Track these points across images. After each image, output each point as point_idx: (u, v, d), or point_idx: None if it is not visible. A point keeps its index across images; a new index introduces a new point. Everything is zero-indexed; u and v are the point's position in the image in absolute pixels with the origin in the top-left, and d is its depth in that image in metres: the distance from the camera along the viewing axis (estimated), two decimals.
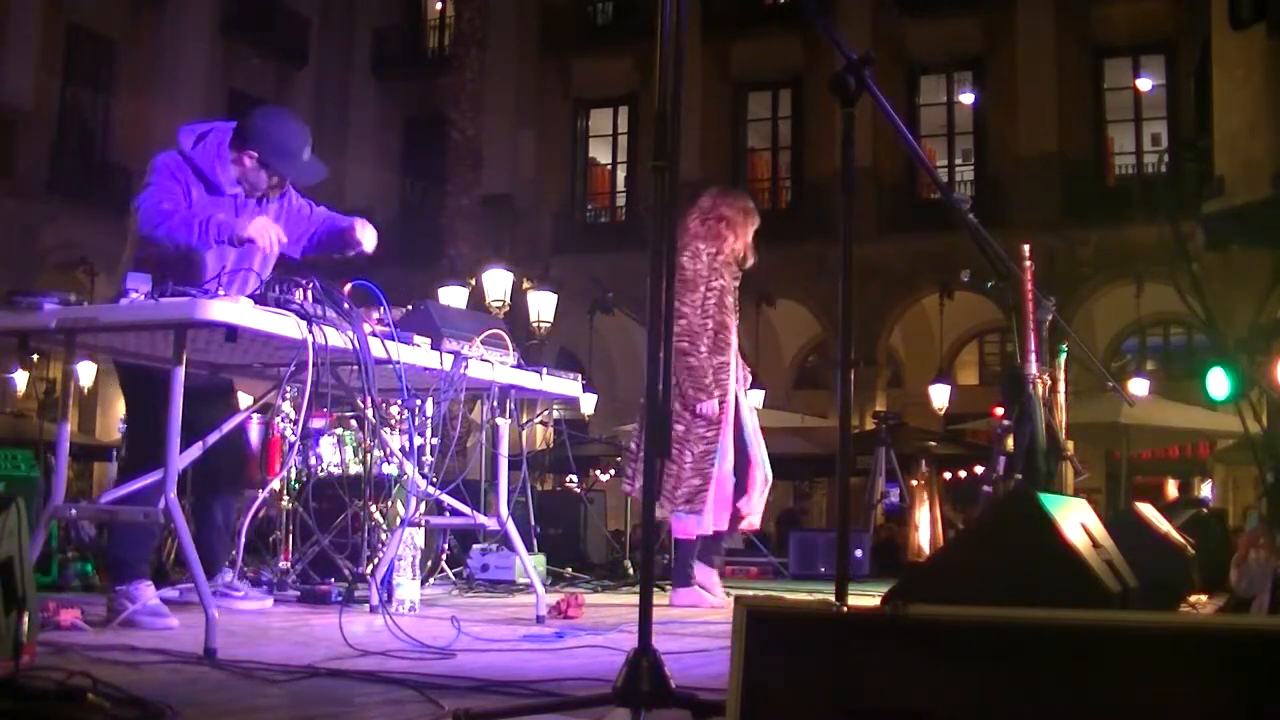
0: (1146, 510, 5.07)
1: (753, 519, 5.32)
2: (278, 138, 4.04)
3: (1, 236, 19.08)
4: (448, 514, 4.77)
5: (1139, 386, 16.28)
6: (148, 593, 3.85)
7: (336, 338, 3.53)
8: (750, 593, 5.39)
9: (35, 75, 20.17)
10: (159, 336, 3.47)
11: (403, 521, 4.49)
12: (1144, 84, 20.58)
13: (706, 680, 2.46)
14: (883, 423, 11.20)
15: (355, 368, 3.71)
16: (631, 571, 7.49)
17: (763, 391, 15.95)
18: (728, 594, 5.29)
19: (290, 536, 5.87)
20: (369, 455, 6.13)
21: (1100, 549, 3.27)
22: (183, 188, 3.93)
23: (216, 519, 4.39)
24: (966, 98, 21.57)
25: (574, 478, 10.07)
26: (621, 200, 23.87)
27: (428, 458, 4.57)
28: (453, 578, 6.65)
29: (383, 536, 5.86)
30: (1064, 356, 5.99)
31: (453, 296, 13.72)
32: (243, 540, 5.03)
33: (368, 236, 4.16)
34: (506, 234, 20.51)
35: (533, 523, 7.59)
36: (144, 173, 4.02)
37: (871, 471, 11.19)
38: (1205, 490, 18.33)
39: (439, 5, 25.11)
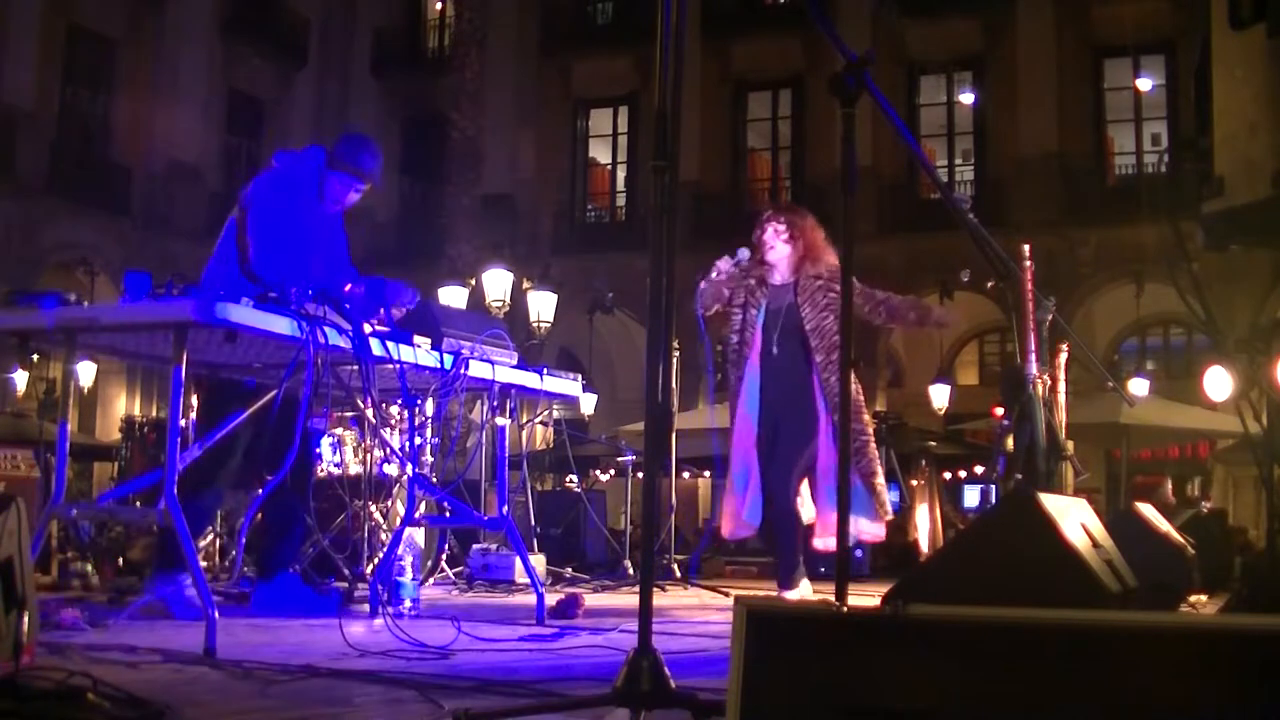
0: (1146, 510, 5.08)
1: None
2: (353, 146, 4.56)
3: (1, 236, 19.07)
4: (448, 514, 4.76)
5: (1139, 386, 16.27)
6: (185, 584, 4.08)
7: (336, 338, 3.54)
8: (750, 593, 5.38)
9: (35, 75, 20.16)
10: (159, 336, 3.48)
11: (403, 521, 4.49)
12: (1144, 84, 20.57)
13: (706, 680, 2.46)
14: (883, 423, 11.19)
15: (355, 368, 3.71)
16: (632, 572, 7.49)
17: None
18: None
19: None
20: (369, 455, 6.13)
21: (1100, 549, 3.27)
22: (281, 208, 4.34)
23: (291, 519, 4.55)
24: (966, 98, 21.56)
25: (574, 478, 10.07)
26: (621, 200, 23.85)
27: (428, 458, 4.58)
28: (453, 578, 6.64)
29: (383, 536, 5.86)
30: (1065, 357, 6.01)
31: (453, 296, 13.71)
32: (243, 540, 5.02)
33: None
34: (506, 234, 20.49)
35: (533, 523, 7.60)
36: (241, 201, 4.39)
37: None
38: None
39: (439, 5, 25.10)
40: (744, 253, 5.10)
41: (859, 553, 8.51)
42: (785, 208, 5.46)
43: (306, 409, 3.64)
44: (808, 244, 5.17)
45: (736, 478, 5.08)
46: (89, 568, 5.75)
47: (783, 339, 5.08)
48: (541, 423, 10.53)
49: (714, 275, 5.05)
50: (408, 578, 4.34)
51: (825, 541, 5.05)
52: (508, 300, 14.07)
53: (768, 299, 5.17)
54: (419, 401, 4.50)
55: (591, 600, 5.15)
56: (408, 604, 4.29)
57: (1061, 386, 5.94)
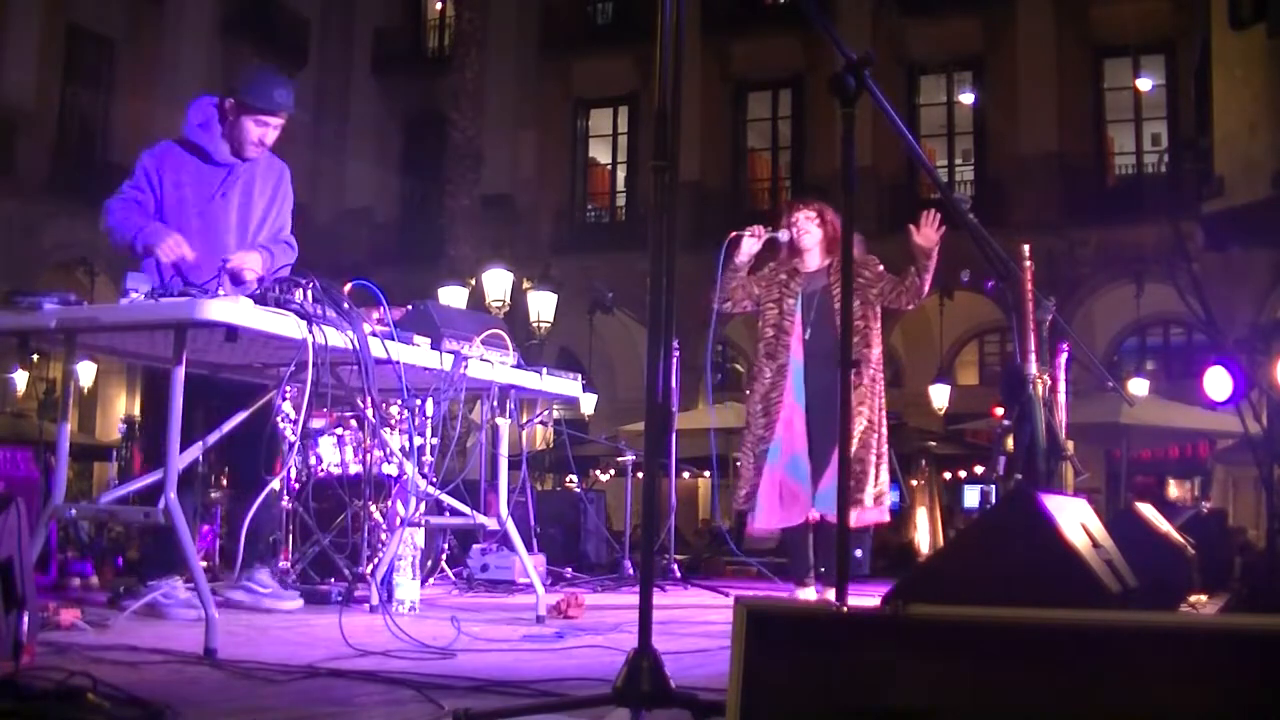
0: (1146, 510, 5.08)
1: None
2: (250, 81, 4.37)
3: (1, 236, 19.07)
4: (448, 514, 4.76)
5: (1139, 386, 16.28)
6: (178, 586, 4.03)
7: (336, 338, 3.53)
8: (750, 593, 5.37)
9: (35, 75, 20.17)
10: (159, 336, 3.47)
11: (403, 521, 4.49)
12: (1144, 84, 20.58)
13: (706, 680, 2.46)
14: None
15: (355, 368, 3.71)
16: (632, 571, 7.49)
17: None
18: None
19: (290, 536, 5.87)
20: (369, 455, 6.13)
21: (1100, 549, 3.27)
22: (157, 179, 4.24)
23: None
24: (966, 98, 21.57)
25: (574, 478, 10.07)
26: (621, 200, 23.86)
27: (428, 458, 4.57)
28: (453, 578, 6.65)
29: (383, 536, 5.85)
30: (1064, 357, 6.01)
31: (453, 296, 13.71)
32: (242, 540, 5.02)
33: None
34: (506, 234, 20.50)
35: (533, 523, 7.59)
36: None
37: None
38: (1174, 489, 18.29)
39: (439, 5, 25.11)
40: (784, 234, 5.19)
41: (859, 552, 8.51)
42: (806, 196, 5.49)
43: (309, 409, 3.63)
44: (836, 227, 5.23)
45: (789, 467, 5.06)
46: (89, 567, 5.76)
47: (818, 324, 5.12)
48: (541, 423, 10.54)
49: (750, 235, 5.11)
50: (408, 577, 4.33)
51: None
52: (508, 300, 14.08)
53: (803, 286, 5.22)
54: (419, 401, 4.49)
55: (591, 600, 5.16)
56: (408, 604, 4.30)
57: (1061, 386, 5.94)
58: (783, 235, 5.19)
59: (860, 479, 5.03)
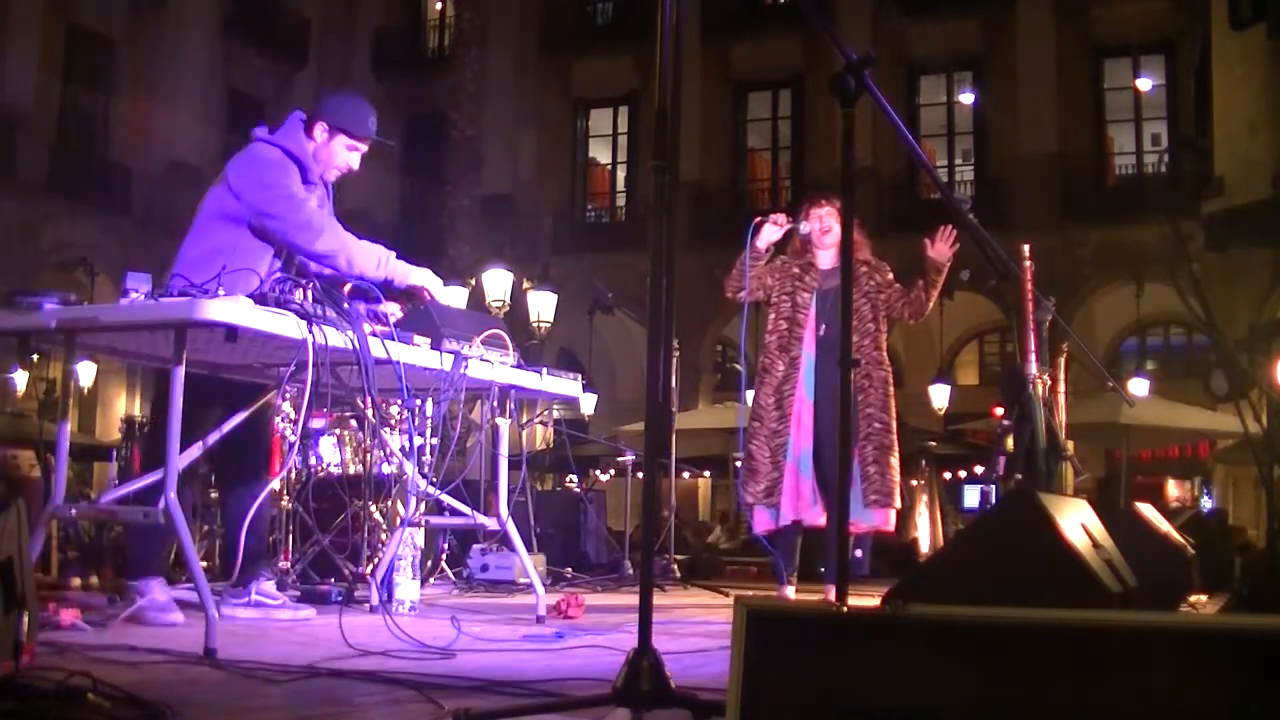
0: (1146, 510, 5.08)
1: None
2: (345, 105, 4.32)
3: (1, 236, 19.07)
4: (448, 514, 4.76)
5: (1139, 386, 16.28)
6: (157, 589, 3.93)
7: (336, 338, 3.53)
8: (750, 593, 5.37)
9: (35, 75, 20.16)
10: (159, 336, 3.47)
11: (403, 521, 4.49)
12: (1144, 84, 20.58)
13: (706, 680, 2.46)
14: None
15: (355, 368, 3.71)
16: (632, 571, 7.49)
17: None
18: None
19: (290, 536, 5.87)
20: (369, 455, 6.13)
21: (1100, 549, 3.27)
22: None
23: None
24: (966, 98, 21.56)
25: (574, 478, 10.07)
26: (621, 200, 23.86)
27: (428, 458, 4.56)
28: (453, 578, 6.65)
29: (383, 536, 5.86)
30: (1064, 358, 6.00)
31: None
32: (241, 540, 5.01)
33: None
34: (506, 234, 20.49)
35: (533, 523, 7.59)
36: (249, 173, 4.07)
37: None
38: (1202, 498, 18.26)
39: (439, 5, 25.11)
40: (805, 227, 5.18)
41: (859, 552, 8.50)
42: (828, 193, 5.44)
43: (309, 409, 3.63)
44: (854, 227, 5.23)
45: (799, 463, 5.05)
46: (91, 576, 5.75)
47: (834, 322, 5.10)
48: (541, 423, 10.54)
49: (772, 223, 5.08)
50: (408, 577, 4.33)
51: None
52: (508, 300, 14.07)
53: (819, 283, 5.21)
54: (419, 401, 4.48)
55: (591, 600, 5.16)
56: (408, 604, 4.30)
57: (1061, 386, 5.94)
58: (804, 227, 5.19)
59: (887, 481, 5.04)
